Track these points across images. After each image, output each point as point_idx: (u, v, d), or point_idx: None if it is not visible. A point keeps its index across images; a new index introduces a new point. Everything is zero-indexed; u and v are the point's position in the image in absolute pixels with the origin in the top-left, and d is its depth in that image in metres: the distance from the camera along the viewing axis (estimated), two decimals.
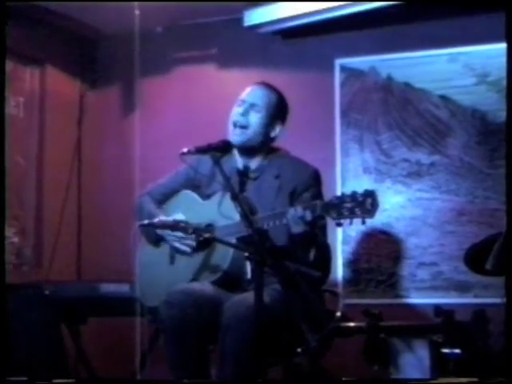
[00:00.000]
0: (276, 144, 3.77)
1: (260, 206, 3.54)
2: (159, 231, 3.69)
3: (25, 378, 3.64)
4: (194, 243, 3.60)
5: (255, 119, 3.66)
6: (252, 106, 3.66)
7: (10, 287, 4.28)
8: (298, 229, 3.35)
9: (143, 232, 3.79)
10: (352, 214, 3.21)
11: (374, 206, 3.19)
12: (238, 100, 3.71)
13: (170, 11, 5.12)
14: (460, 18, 4.78)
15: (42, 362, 4.14)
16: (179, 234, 3.59)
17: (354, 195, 3.22)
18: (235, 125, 3.66)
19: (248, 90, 3.74)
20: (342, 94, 5.08)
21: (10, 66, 5.16)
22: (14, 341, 4.06)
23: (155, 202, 3.83)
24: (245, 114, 3.65)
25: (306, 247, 3.52)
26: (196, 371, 3.44)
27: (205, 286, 3.54)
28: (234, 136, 3.64)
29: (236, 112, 3.68)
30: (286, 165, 3.69)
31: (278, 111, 3.71)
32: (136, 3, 4.48)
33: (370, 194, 3.21)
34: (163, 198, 3.84)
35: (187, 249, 3.62)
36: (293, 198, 3.57)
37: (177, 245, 3.64)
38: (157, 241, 3.75)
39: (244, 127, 3.64)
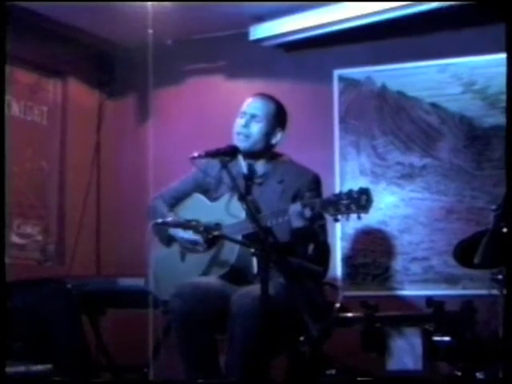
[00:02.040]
0: (279, 149, 3.78)
1: (264, 208, 3.54)
2: (171, 233, 3.70)
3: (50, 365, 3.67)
4: (203, 244, 3.62)
5: (256, 129, 3.66)
6: (252, 117, 3.67)
7: (35, 281, 4.33)
8: (298, 223, 3.36)
9: (156, 233, 3.80)
10: (348, 210, 3.22)
11: (369, 202, 3.20)
12: (240, 112, 3.71)
13: (181, 27, 5.12)
14: (448, 32, 4.78)
15: (65, 350, 4.15)
16: (189, 234, 3.61)
17: (349, 193, 3.23)
18: (238, 135, 3.67)
19: (248, 101, 3.74)
20: (340, 102, 5.06)
21: (34, 78, 5.20)
22: (38, 331, 4.08)
23: (167, 205, 3.84)
24: (246, 125, 3.66)
25: (307, 242, 3.54)
26: (204, 359, 3.46)
27: (212, 279, 3.56)
28: (238, 142, 3.66)
29: (238, 124, 3.69)
30: (288, 171, 3.69)
31: (278, 119, 3.71)
32: (150, 19, 4.50)
33: (364, 192, 3.22)
34: (174, 202, 3.85)
35: (197, 239, 3.63)
36: (295, 200, 3.54)
37: (187, 239, 3.65)
38: (168, 241, 3.76)
39: (246, 136, 3.65)
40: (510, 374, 2.84)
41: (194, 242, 3.64)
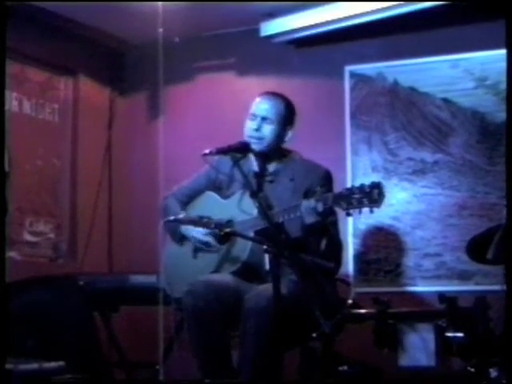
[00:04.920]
0: (290, 145, 3.77)
1: (276, 205, 3.54)
2: (183, 230, 3.70)
3: (62, 363, 3.68)
4: (215, 245, 3.62)
5: (268, 131, 3.64)
6: (263, 119, 3.65)
7: (47, 279, 4.34)
8: (310, 219, 3.36)
9: (168, 232, 3.80)
10: (360, 204, 3.22)
11: (381, 196, 3.21)
12: (250, 114, 3.69)
13: (191, 23, 5.12)
14: (460, 27, 4.75)
15: (77, 347, 4.15)
16: (202, 230, 3.61)
17: (361, 187, 3.24)
18: (251, 138, 3.65)
19: (257, 101, 3.71)
20: (352, 98, 5.04)
21: (45, 76, 5.21)
22: (51, 327, 4.10)
23: (180, 203, 3.84)
24: (258, 129, 3.64)
25: (319, 238, 3.54)
26: (217, 355, 3.47)
27: (225, 276, 3.56)
28: (251, 146, 3.64)
29: (250, 127, 3.67)
30: (299, 168, 3.69)
31: (288, 117, 3.70)
32: (160, 17, 4.51)
33: (376, 186, 3.23)
34: (187, 200, 3.85)
35: (209, 241, 3.62)
36: (307, 197, 3.53)
37: (199, 240, 3.65)
38: (180, 240, 3.76)
39: (259, 139, 3.64)
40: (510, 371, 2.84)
41: (206, 244, 3.64)
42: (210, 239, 3.62)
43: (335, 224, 3.62)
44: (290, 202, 3.49)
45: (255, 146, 3.64)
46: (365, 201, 3.21)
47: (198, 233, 3.65)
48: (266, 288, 3.28)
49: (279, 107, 3.68)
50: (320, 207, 3.32)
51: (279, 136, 3.67)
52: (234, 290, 3.49)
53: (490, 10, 4.47)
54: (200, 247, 3.68)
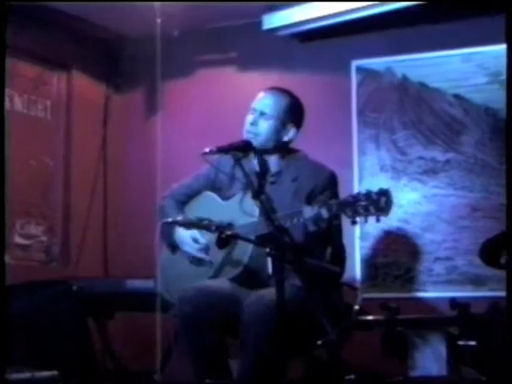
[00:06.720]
0: (296, 144, 3.75)
1: (278, 207, 3.51)
2: (177, 242, 3.70)
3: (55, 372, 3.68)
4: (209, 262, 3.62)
5: (264, 127, 3.63)
6: (261, 114, 3.64)
7: (39, 283, 4.34)
8: (314, 227, 3.35)
9: (163, 234, 3.78)
10: (367, 212, 3.20)
11: (388, 204, 3.18)
12: (250, 108, 3.70)
13: (191, 16, 5.14)
14: (472, 19, 4.75)
15: (71, 354, 4.16)
16: (195, 245, 3.62)
17: (368, 194, 3.21)
18: (248, 133, 3.65)
19: (259, 96, 3.71)
20: (359, 94, 5.06)
21: (37, 71, 5.23)
22: (44, 334, 4.10)
23: (178, 203, 3.83)
24: (254, 123, 3.64)
25: (323, 245, 3.53)
26: (210, 363, 3.45)
27: (222, 282, 3.54)
28: (249, 139, 3.64)
29: (247, 121, 3.67)
30: (303, 168, 3.67)
31: (290, 116, 3.67)
32: (158, 9, 4.50)
33: (384, 193, 3.19)
34: (185, 200, 3.84)
35: (202, 255, 3.63)
36: (310, 199, 3.53)
37: (193, 256, 3.65)
38: (173, 249, 3.75)
39: (255, 134, 3.63)
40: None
41: (200, 260, 3.64)
42: (203, 255, 3.63)
43: (339, 228, 3.59)
44: (292, 205, 3.48)
45: (251, 141, 3.63)
46: (371, 209, 3.18)
47: (191, 248, 3.65)
48: (267, 293, 3.28)
49: (280, 103, 3.67)
50: (324, 214, 3.30)
51: (276, 132, 3.65)
52: (230, 297, 3.48)
53: (505, 1, 4.44)
54: (193, 262, 3.67)
